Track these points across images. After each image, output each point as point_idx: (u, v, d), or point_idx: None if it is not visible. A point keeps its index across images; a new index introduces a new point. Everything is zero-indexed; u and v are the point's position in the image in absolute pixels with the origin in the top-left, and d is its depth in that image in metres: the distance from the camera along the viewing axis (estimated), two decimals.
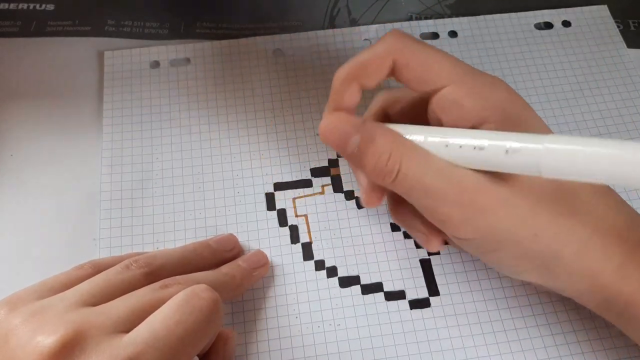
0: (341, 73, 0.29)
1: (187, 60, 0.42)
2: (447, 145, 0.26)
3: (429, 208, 0.27)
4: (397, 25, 0.44)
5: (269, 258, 0.35)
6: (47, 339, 0.24)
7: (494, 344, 0.32)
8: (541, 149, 0.23)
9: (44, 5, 0.44)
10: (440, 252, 0.35)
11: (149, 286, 0.28)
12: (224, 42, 0.43)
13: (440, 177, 0.26)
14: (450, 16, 0.44)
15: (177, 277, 0.29)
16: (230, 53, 0.42)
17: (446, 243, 0.31)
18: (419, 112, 0.30)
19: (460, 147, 0.26)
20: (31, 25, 0.43)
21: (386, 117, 0.32)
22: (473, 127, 0.27)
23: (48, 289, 0.27)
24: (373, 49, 0.28)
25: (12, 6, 0.44)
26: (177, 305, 0.26)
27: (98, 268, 0.30)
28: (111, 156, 0.38)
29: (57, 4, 0.44)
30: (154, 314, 0.26)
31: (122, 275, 0.29)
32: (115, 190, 0.37)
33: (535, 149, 0.23)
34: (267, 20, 0.44)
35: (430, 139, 0.27)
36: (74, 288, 0.27)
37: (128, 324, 0.25)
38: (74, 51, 0.42)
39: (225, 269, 0.32)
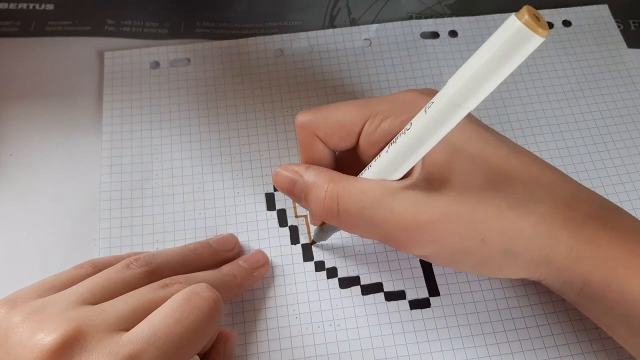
0: (287, 179, 0.30)
1: (187, 60, 0.42)
2: (387, 151, 0.27)
3: (379, 237, 0.28)
4: (397, 24, 0.44)
5: (269, 258, 0.35)
6: (47, 337, 0.24)
7: (494, 344, 0.32)
8: (447, 93, 0.23)
9: (43, 5, 0.44)
10: None
11: (149, 285, 0.28)
12: (224, 42, 0.43)
13: (379, 206, 0.27)
14: (450, 16, 0.44)
15: (178, 276, 0.29)
16: (230, 53, 0.42)
17: None
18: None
19: (395, 142, 0.26)
20: (31, 25, 0.43)
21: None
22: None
23: (49, 288, 0.28)
24: (299, 141, 0.31)
25: (12, 6, 0.44)
26: (177, 304, 0.26)
27: (98, 267, 0.30)
28: (111, 156, 0.38)
29: (57, 3, 0.44)
30: (155, 312, 0.26)
31: (123, 273, 0.29)
32: (115, 190, 0.37)
33: (444, 98, 0.23)
34: (267, 20, 0.44)
35: (369, 165, 0.28)
36: (74, 286, 0.27)
37: (128, 322, 0.25)
38: (73, 51, 0.42)
39: (225, 268, 0.32)
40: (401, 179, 0.28)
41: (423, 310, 0.33)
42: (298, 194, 0.30)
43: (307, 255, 0.35)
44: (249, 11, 0.45)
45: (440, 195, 0.27)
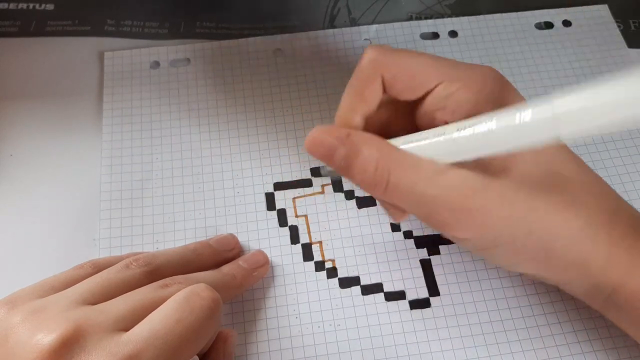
0: (340, 113, 0.29)
1: (187, 60, 0.42)
2: (447, 139, 0.26)
3: (424, 214, 0.27)
4: (397, 25, 0.44)
5: (269, 258, 0.35)
6: (47, 337, 0.24)
7: (494, 344, 0.32)
8: (551, 111, 0.22)
9: (43, 5, 0.44)
10: (441, 252, 0.35)
11: (149, 285, 0.28)
12: (224, 42, 0.43)
13: (431, 184, 0.26)
14: (450, 16, 0.44)
15: (178, 276, 0.29)
16: (230, 53, 0.42)
17: None
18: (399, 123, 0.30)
19: (465, 136, 0.25)
20: (31, 25, 0.43)
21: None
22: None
23: (49, 288, 0.27)
24: (359, 73, 0.29)
25: (12, 6, 0.44)
26: (177, 304, 0.26)
27: (98, 268, 0.30)
28: (111, 156, 0.38)
29: (57, 3, 0.44)
30: (154, 312, 0.26)
31: (123, 274, 0.29)
32: (115, 191, 0.37)
33: (547, 113, 0.22)
34: (267, 20, 0.44)
35: (427, 140, 0.27)
36: (74, 287, 0.27)
37: (128, 322, 0.25)
38: (73, 51, 0.42)
39: (225, 269, 0.32)
40: None
41: (423, 310, 0.33)
42: (338, 161, 0.28)
43: (307, 255, 0.35)
44: (249, 11, 0.45)
45: (497, 181, 0.26)
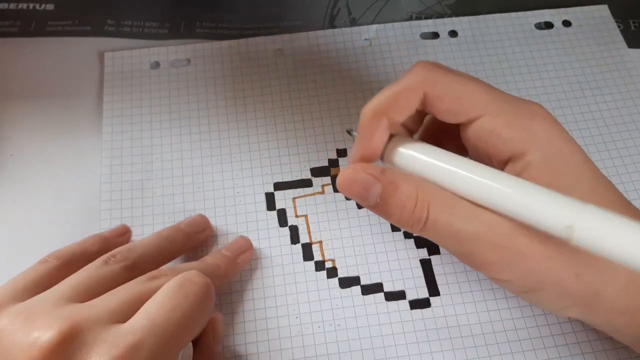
0: (370, 108, 0.27)
1: (187, 60, 0.42)
2: (492, 189, 0.25)
3: (462, 253, 0.26)
4: (397, 25, 0.44)
5: (269, 259, 0.35)
6: (45, 335, 0.24)
7: (494, 344, 0.32)
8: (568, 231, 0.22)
9: (43, 5, 0.44)
10: (441, 252, 0.35)
11: (136, 279, 0.28)
12: (224, 43, 0.43)
13: (471, 221, 0.25)
14: (450, 16, 0.44)
15: (163, 268, 0.30)
16: (230, 53, 0.42)
17: None
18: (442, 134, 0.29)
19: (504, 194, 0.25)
20: (31, 25, 0.43)
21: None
22: (511, 159, 0.26)
23: (22, 290, 0.27)
24: (403, 81, 0.27)
25: (12, 6, 0.44)
26: (171, 291, 0.27)
27: (63, 259, 0.30)
28: (111, 156, 0.38)
29: (57, 3, 0.44)
30: (149, 302, 0.26)
31: (103, 270, 0.29)
32: (115, 191, 0.37)
33: (562, 226, 0.23)
34: (267, 20, 0.44)
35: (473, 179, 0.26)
36: (54, 288, 0.27)
37: (122, 315, 0.25)
38: (73, 51, 0.42)
39: (209, 258, 0.33)
40: None
41: (423, 310, 0.33)
42: (373, 199, 0.26)
43: (307, 255, 0.35)
44: (249, 11, 0.45)
45: None
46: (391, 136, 0.28)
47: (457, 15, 0.44)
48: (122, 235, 0.35)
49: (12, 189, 0.37)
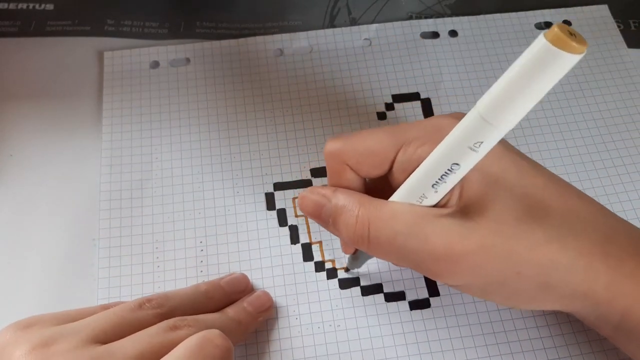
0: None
1: (187, 60, 0.42)
2: (411, 180, 0.26)
3: (410, 265, 0.28)
4: (397, 24, 0.44)
5: (269, 259, 0.35)
6: None
7: (494, 344, 0.32)
8: (477, 111, 0.22)
9: (43, 5, 0.44)
10: None
11: (158, 325, 0.28)
12: (224, 42, 0.43)
13: (411, 235, 0.26)
14: (450, 16, 0.44)
15: (188, 318, 0.29)
16: (230, 53, 0.42)
17: None
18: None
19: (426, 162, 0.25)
20: (31, 25, 0.43)
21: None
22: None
23: (66, 318, 0.28)
24: (328, 169, 0.29)
25: (12, 6, 0.44)
26: (190, 351, 0.26)
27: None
28: (111, 156, 0.38)
29: (57, 3, 0.44)
30: (167, 356, 0.25)
31: (135, 313, 0.28)
32: (115, 190, 0.37)
33: (474, 114, 0.22)
34: (267, 20, 0.44)
35: (400, 189, 0.27)
36: (86, 320, 0.27)
37: None
38: (73, 51, 0.42)
39: (231, 312, 0.31)
40: (435, 206, 0.27)
41: (423, 310, 0.33)
42: (326, 218, 0.28)
43: (307, 255, 0.35)
44: (249, 11, 0.45)
45: (475, 226, 0.26)
46: None
47: (457, 15, 0.44)
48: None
49: (12, 189, 0.37)
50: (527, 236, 0.26)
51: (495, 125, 0.22)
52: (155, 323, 0.28)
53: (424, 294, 0.33)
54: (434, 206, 0.26)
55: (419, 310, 0.33)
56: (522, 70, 0.20)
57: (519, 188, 0.26)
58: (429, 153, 0.26)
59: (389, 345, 0.32)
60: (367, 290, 0.34)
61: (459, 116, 0.27)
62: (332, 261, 0.35)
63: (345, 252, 0.33)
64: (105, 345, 0.26)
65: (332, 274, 0.34)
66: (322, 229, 0.36)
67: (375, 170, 0.28)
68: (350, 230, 0.27)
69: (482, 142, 0.23)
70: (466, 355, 0.32)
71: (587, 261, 0.26)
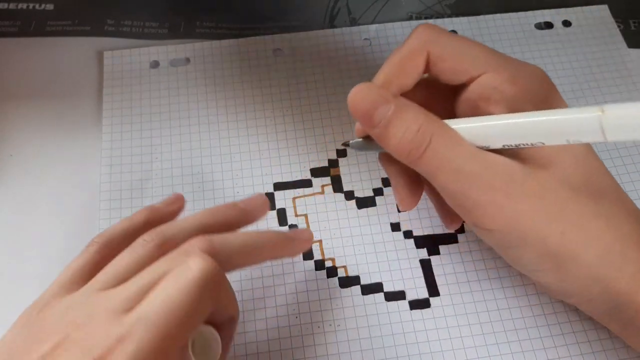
0: (378, 79, 0.28)
1: (187, 60, 0.42)
2: (496, 124, 0.25)
3: (455, 192, 0.26)
4: (397, 24, 0.44)
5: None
6: (63, 324, 0.25)
7: (494, 344, 0.32)
8: (600, 113, 0.22)
9: (43, 5, 0.44)
10: (441, 253, 0.35)
11: (165, 257, 0.27)
12: (224, 42, 0.43)
13: (472, 159, 0.25)
14: (450, 16, 0.44)
15: (203, 237, 0.27)
16: (230, 53, 0.42)
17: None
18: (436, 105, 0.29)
19: (515, 123, 0.25)
20: (30, 25, 0.43)
21: None
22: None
23: (70, 282, 0.28)
24: (406, 46, 0.28)
25: (12, 6, 0.44)
26: (168, 280, 0.25)
27: (103, 241, 0.29)
28: (111, 156, 0.38)
29: (57, 3, 0.44)
30: (152, 291, 0.25)
31: (137, 253, 0.28)
32: (115, 190, 0.37)
33: (594, 114, 0.22)
34: (267, 20, 0.44)
35: (472, 124, 0.26)
36: (93, 280, 0.27)
37: (134, 303, 0.25)
38: (73, 51, 0.42)
39: (263, 232, 0.30)
40: None
41: (423, 310, 0.33)
42: (378, 118, 0.26)
43: (307, 254, 0.35)
44: (248, 11, 0.45)
45: (538, 175, 0.26)
46: None
47: (457, 15, 0.44)
48: (174, 203, 0.32)
49: (12, 189, 0.37)
50: (581, 204, 0.26)
51: (606, 138, 0.22)
52: (155, 255, 0.27)
53: (424, 294, 0.33)
54: None
55: (419, 310, 0.33)
56: None
57: (584, 162, 0.27)
58: (514, 96, 0.26)
59: (389, 345, 0.32)
60: (367, 290, 0.34)
61: (550, 83, 0.28)
62: (332, 260, 0.35)
63: (357, 135, 0.31)
64: (113, 289, 0.26)
65: (332, 272, 0.34)
66: (322, 228, 0.36)
67: (451, 76, 0.28)
68: (408, 136, 0.26)
69: (581, 142, 0.23)
70: (466, 355, 0.32)
71: (622, 246, 0.26)
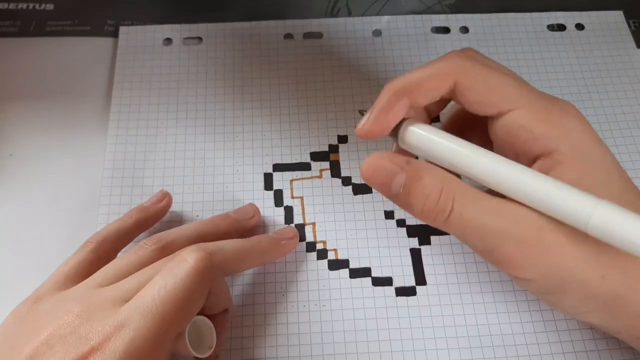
0: (394, 85, 0.27)
1: (199, 39, 0.43)
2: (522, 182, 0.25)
3: (486, 248, 0.26)
4: (409, 17, 0.44)
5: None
6: (66, 312, 0.26)
7: (476, 336, 0.32)
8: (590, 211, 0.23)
9: (43, 5, 0.44)
10: (431, 243, 0.35)
11: (165, 258, 0.29)
12: (237, 24, 0.43)
13: (497, 216, 0.25)
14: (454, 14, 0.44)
15: (197, 244, 0.29)
16: (241, 35, 0.43)
17: None
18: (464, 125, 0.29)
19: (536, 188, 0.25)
20: (31, 25, 0.43)
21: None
22: (541, 155, 0.26)
23: (65, 279, 0.29)
24: (434, 66, 0.27)
25: (12, 6, 0.44)
26: (164, 270, 0.27)
27: (99, 242, 0.31)
28: (117, 127, 0.39)
29: (57, 3, 0.45)
30: (149, 281, 0.27)
31: (137, 255, 0.29)
32: (119, 160, 0.38)
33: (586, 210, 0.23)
34: (267, 19, 0.44)
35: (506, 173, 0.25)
36: (91, 277, 0.29)
37: (132, 295, 0.27)
38: (73, 51, 0.42)
39: (253, 237, 0.32)
40: None
41: (408, 297, 0.33)
42: (396, 188, 0.26)
43: (300, 235, 0.35)
44: (248, 11, 0.44)
45: None
46: (403, 120, 0.28)
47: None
48: (161, 201, 0.35)
49: (12, 189, 0.37)
50: None
51: (587, 232, 0.23)
52: (154, 257, 0.29)
53: (411, 281, 0.34)
54: None
55: (404, 297, 0.33)
56: None
57: (618, 193, 0.26)
58: (544, 136, 0.26)
59: (371, 328, 0.32)
60: (356, 273, 0.34)
61: (583, 118, 0.27)
62: (324, 242, 0.35)
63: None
64: (112, 284, 0.28)
65: (322, 254, 0.35)
66: (317, 211, 0.36)
67: (478, 107, 0.27)
68: (430, 202, 0.25)
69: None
70: (447, 344, 0.32)
71: None
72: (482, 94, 0.27)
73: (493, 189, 0.26)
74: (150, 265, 0.28)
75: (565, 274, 0.25)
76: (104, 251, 0.31)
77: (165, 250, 0.30)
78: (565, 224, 0.24)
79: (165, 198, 0.35)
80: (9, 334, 0.27)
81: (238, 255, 0.31)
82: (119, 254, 0.32)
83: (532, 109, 0.26)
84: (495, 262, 0.26)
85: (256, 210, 0.35)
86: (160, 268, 0.28)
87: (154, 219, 0.34)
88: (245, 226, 0.34)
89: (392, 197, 0.27)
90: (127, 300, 0.26)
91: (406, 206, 0.27)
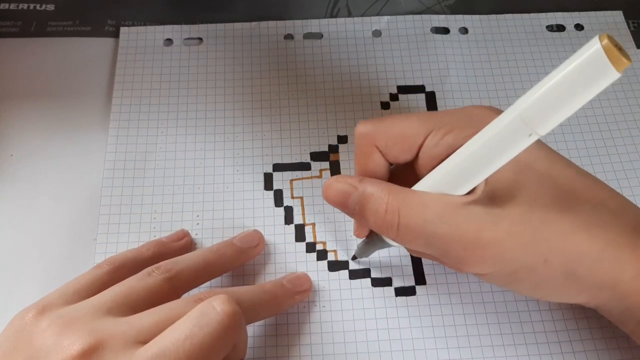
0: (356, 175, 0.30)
1: (200, 40, 0.43)
2: (449, 164, 0.26)
3: (440, 253, 0.28)
4: (408, 17, 0.44)
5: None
6: (72, 345, 0.24)
7: (476, 335, 0.32)
8: (517, 111, 0.23)
9: (44, 6, 0.44)
10: None
11: (184, 299, 0.28)
12: (237, 25, 0.43)
13: (441, 222, 0.26)
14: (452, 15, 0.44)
15: (217, 290, 0.29)
16: (242, 35, 0.43)
17: None
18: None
19: (459, 156, 0.26)
20: (31, 26, 0.44)
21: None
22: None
23: (72, 293, 0.28)
24: (357, 151, 0.30)
25: (13, 6, 0.44)
26: (190, 318, 0.25)
27: (115, 265, 0.30)
28: (118, 127, 0.39)
29: (58, 4, 0.45)
30: (170, 326, 0.25)
31: (144, 281, 0.28)
32: (119, 161, 0.38)
33: (514, 114, 0.23)
34: (267, 20, 0.44)
35: (429, 176, 0.27)
36: (99, 295, 0.28)
37: (150, 336, 0.25)
38: (74, 51, 0.42)
39: (268, 286, 0.32)
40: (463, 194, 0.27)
41: (408, 297, 0.33)
42: (352, 206, 0.28)
43: (300, 236, 0.35)
44: (248, 11, 0.44)
45: (504, 213, 0.26)
46: None
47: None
48: (180, 239, 0.34)
49: (12, 189, 0.37)
50: (556, 224, 0.26)
51: (534, 131, 0.23)
52: (164, 288, 0.28)
53: (410, 281, 0.34)
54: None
55: (404, 297, 0.33)
56: (572, 81, 0.22)
57: (548, 177, 0.27)
58: (456, 140, 0.27)
59: (371, 328, 0.32)
60: (355, 274, 0.34)
61: (491, 108, 0.28)
62: (324, 243, 0.35)
63: (358, 236, 0.33)
64: (125, 317, 0.26)
65: (322, 255, 0.35)
66: (316, 211, 0.36)
67: (404, 155, 0.29)
68: (379, 217, 0.27)
69: (518, 146, 0.24)
70: (447, 343, 0.32)
71: (615, 251, 0.26)
72: (399, 144, 0.29)
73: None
74: (167, 305, 0.27)
75: (512, 264, 0.26)
76: (118, 277, 0.30)
77: (174, 281, 0.29)
78: (516, 153, 0.24)
79: (185, 237, 0.35)
80: (3, 346, 0.26)
81: (255, 309, 0.30)
82: None
83: (438, 127, 0.28)
84: (452, 264, 0.28)
85: (260, 238, 0.35)
86: (180, 310, 0.26)
87: (169, 256, 0.32)
88: (250, 255, 0.34)
89: (352, 216, 0.30)
90: (142, 342, 0.25)
91: (364, 223, 0.29)
